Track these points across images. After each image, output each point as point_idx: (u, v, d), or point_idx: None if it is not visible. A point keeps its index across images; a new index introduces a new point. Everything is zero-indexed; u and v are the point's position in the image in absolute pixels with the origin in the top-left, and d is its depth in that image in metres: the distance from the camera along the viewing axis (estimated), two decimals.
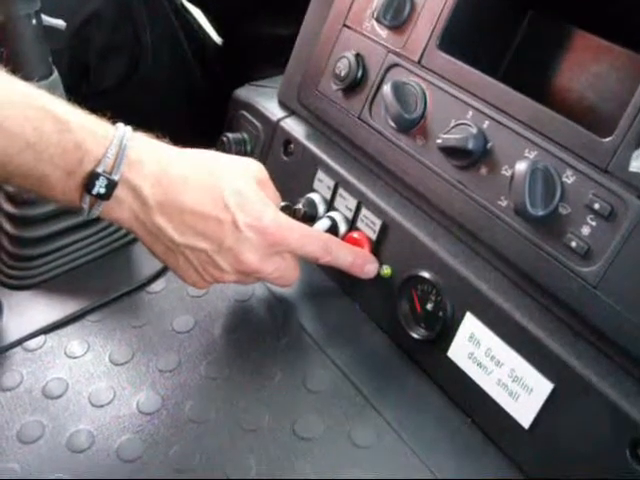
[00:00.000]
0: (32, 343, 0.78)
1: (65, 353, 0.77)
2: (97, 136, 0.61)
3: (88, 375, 0.74)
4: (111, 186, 0.61)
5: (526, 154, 0.63)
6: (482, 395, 0.67)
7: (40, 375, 0.74)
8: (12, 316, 0.81)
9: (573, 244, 0.59)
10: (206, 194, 0.66)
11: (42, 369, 0.75)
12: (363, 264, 0.76)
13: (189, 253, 0.68)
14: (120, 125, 0.63)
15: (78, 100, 0.82)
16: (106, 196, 0.61)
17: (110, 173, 0.61)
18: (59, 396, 0.72)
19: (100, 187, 0.60)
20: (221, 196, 0.66)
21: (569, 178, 0.60)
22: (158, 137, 0.67)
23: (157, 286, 0.84)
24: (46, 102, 0.59)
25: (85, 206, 0.62)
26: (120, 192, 0.62)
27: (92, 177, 0.60)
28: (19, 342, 0.78)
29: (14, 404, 0.72)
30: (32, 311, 0.82)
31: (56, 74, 0.79)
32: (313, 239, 0.73)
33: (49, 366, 0.75)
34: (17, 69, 0.74)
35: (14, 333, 0.79)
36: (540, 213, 0.60)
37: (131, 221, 0.65)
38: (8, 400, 0.72)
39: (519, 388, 0.63)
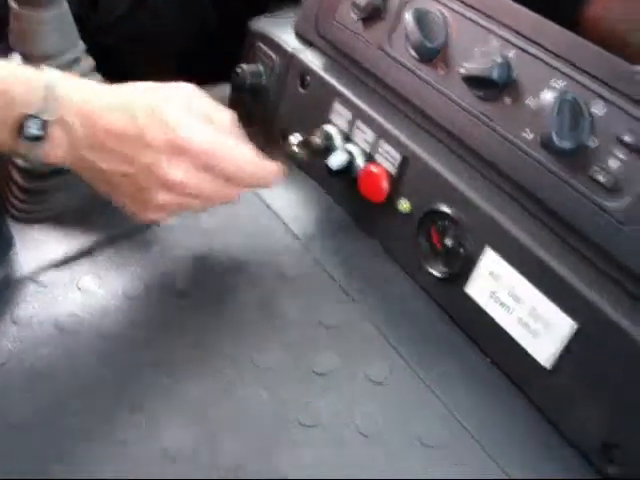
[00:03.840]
0: (44, 277, 0.77)
1: (77, 287, 0.76)
2: (24, 81, 0.62)
3: (100, 308, 0.73)
4: (44, 126, 0.62)
5: (553, 84, 0.60)
6: (501, 334, 0.66)
7: (52, 309, 0.74)
8: (24, 250, 0.80)
9: (600, 178, 0.57)
10: (121, 115, 0.65)
11: (54, 303, 0.74)
12: (270, 181, 0.74)
13: (120, 180, 0.67)
14: (46, 68, 0.64)
15: (88, 32, 0.80)
16: (41, 137, 0.62)
17: (40, 113, 0.61)
18: (71, 330, 0.72)
19: (35, 129, 0.62)
20: (133, 114, 0.65)
21: (599, 109, 0.57)
22: (110, 83, 0.69)
23: (170, 219, 0.83)
24: None
25: (23, 151, 0.63)
26: (53, 130, 0.63)
27: (25, 120, 0.61)
28: (31, 276, 0.77)
29: (26, 337, 0.71)
30: (44, 245, 0.81)
31: (65, 4, 0.76)
32: (230, 159, 0.69)
33: (61, 300, 0.74)
34: None
35: (26, 267, 0.78)
36: (567, 146, 0.58)
37: (69, 160, 0.66)
38: (21, 333, 0.71)
39: (541, 327, 0.62)
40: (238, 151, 0.70)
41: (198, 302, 0.74)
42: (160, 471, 0.61)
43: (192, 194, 0.69)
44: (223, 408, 0.65)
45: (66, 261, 0.78)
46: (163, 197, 0.68)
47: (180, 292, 0.75)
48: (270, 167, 0.73)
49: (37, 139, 0.62)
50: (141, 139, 0.65)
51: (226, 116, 0.72)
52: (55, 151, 0.64)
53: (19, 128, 0.62)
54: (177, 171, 0.66)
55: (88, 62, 0.80)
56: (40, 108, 0.62)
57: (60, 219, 0.83)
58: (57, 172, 0.81)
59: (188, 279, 0.77)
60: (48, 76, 0.63)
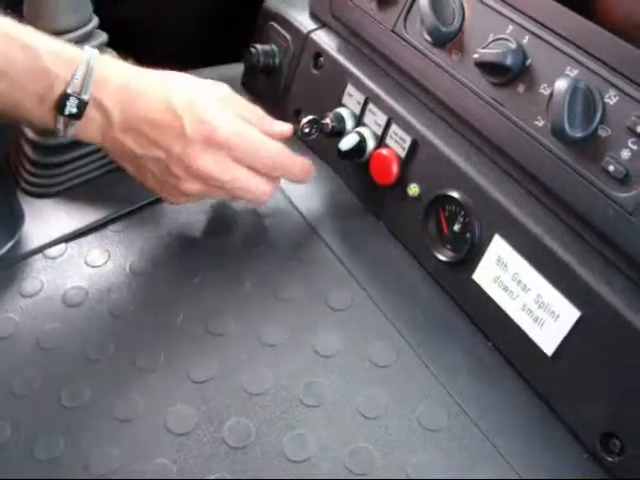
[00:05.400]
0: (53, 251, 0.78)
1: (85, 262, 0.76)
2: (65, 60, 0.64)
3: (108, 284, 0.74)
4: (82, 105, 0.64)
5: (567, 72, 0.60)
6: (506, 320, 0.65)
7: (60, 283, 0.74)
8: (33, 224, 0.81)
9: (611, 168, 0.56)
10: (158, 102, 0.67)
11: (62, 277, 0.75)
12: (308, 176, 0.78)
13: (151, 165, 0.70)
14: (87, 48, 0.66)
15: (102, 6, 0.80)
16: (78, 115, 0.65)
17: (79, 93, 0.64)
18: (78, 304, 0.72)
19: (71, 107, 0.64)
20: (171, 103, 0.67)
21: (612, 98, 0.57)
22: (125, 59, 0.71)
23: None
24: (16, 31, 0.63)
25: (60, 127, 0.66)
26: (89, 111, 0.65)
27: (63, 98, 0.64)
28: (40, 249, 0.78)
29: (34, 311, 0.72)
30: (53, 219, 0.81)
31: None
32: (263, 153, 0.72)
33: (69, 274, 0.75)
34: None
35: (35, 240, 0.79)
36: (578, 134, 0.57)
37: (102, 140, 0.69)
38: (28, 307, 0.72)
39: (545, 314, 0.62)
40: (271, 145, 0.72)
41: (205, 281, 0.74)
42: (162, 447, 0.62)
43: (220, 185, 0.71)
44: (227, 386, 0.66)
45: (75, 236, 0.79)
46: (192, 186, 0.71)
47: (188, 271, 0.75)
48: (303, 162, 0.76)
49: (74, 117, 0.65)
50: (178, 130, 0.67)
51: (260, 114, 0.74)
52: (89, 130, 0.67)
53: (58, 105, 0.64)
54: (209, 163, 0.69)
55: (101, 37, 0.80)
56: (79, 87, 0.64)
57: (70, 194, 0.83)
58: (68, 147, 0.81)
59: (196, 258, 0.77)
60: (88, 56, 0.65)
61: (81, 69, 0.64)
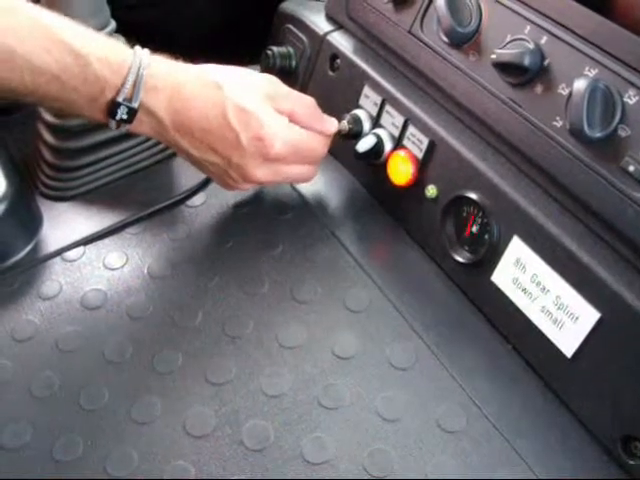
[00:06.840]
0: (71, 254, 0.78)
1: (104, 265, 0.77)
2: (115, 66, 0.64)
3: (126, 287, 0.74)
4: (132, 112, 0.65)
5: (586, 72, 0.59)
6: (525, 322, 0.65)
7: (79, 286, 0.75)
8: (52, 227, 0.81)
9: (631, 168, 0.56)
10: (211, 111, 0.68)
11: (81, 280, 0.75)
12: None
13: (208, 165, 0.73)
14: (137, 50, 0.66)
15: (119, 10, 0.81)
16: (128, 121, 0.66)
17: (130, 100, 0.65)
18: (97, 307, 0.73)
19: (122, 114, 0.65)
20: (225, 113, 0.68)
21: (631, 98, 0.56)
22: (176, 58, 0.70)
23: (197, 200, 0.84)
24: (66, 35, 0.62)
25: (112, 126, 0.67)
26: (140, 115, 0.67)
27: (114, 105, 0.65)
28: (58, 252, 0.78)
29: (53, 313, 0.72)
30: (72, 222, 0.82)
31: None
32: (312, 154, 0.76)
33: (87, 277, 0.76)
34: None
35: (54, 243, 0.79)
36: (597, 135, 0.57)
37: (156, 137, 0.71)
38: (47, 309, 0.73)
39: (564, 316, 0.61)
40: (318, 144, 0.77)
41: (223, 283, 0.75)
42: (180, 449, 0.62)
43: (274, 183, 0.79)
44: (245, 388, 0.66)
45: (93, 239, 0.79)
46: (248, 186, 0.77)
47: (205, 273, 0.76)
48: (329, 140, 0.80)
49: (125, 122, 0.66)
50: (233, 141, 0.69)
51: (310, 102, 0.77)
52: (142, 130, 0.69)
53: (109, 110, 0.65)
54: (265, 174, 0.73)
55: (119, 41, 0.80)
56: (129, 95, 0.64)
57: (88, 197, 0.84)
58: (86, 151, 0.82)
59: (214, 260, 0.77)
60: (137, 62, 0.65)
61: (131, 77, 0.64)
